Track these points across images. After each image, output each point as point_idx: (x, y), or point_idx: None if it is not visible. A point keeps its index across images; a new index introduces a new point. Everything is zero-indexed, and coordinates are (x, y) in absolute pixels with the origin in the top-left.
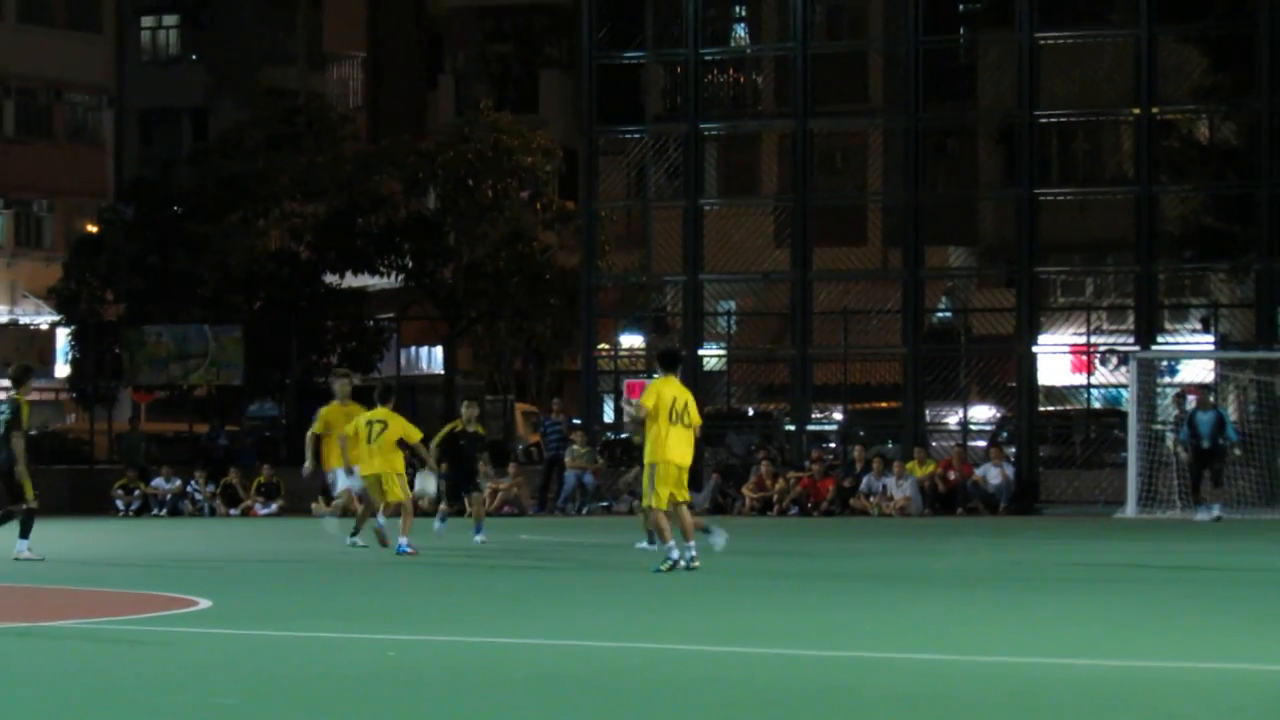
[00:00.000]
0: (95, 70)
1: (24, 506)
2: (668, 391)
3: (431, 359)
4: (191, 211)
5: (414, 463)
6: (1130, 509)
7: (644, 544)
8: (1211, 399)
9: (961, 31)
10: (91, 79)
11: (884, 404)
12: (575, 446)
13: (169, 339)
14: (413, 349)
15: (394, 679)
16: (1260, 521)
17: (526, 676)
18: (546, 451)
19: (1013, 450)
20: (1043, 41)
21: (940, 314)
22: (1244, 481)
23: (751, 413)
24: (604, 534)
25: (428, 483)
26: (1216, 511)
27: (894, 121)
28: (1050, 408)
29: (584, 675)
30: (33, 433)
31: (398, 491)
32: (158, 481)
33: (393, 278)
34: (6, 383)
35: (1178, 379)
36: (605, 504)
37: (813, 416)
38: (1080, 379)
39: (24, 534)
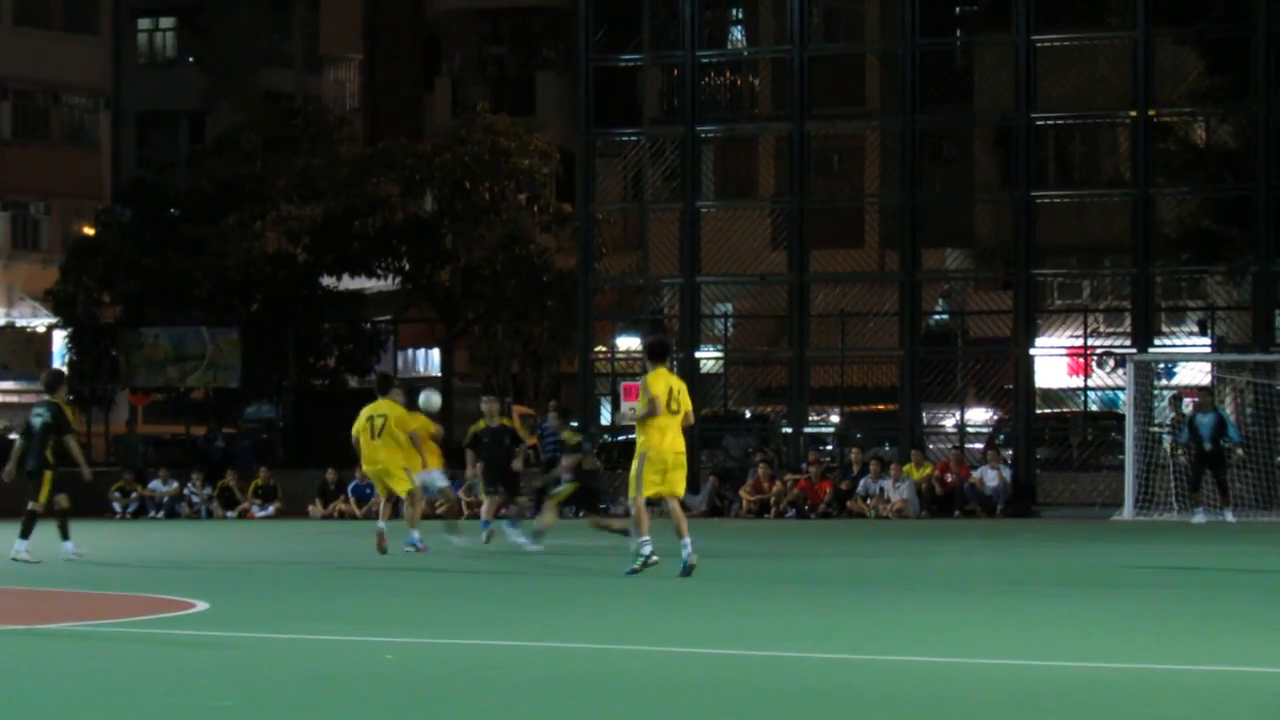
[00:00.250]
0: (92, 72)
1: (30, 508)
2: (662, 384)
3: (429, 361)
4: (188, 214)
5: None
6: (1127, 511)
7: (517, 536)
8: (1213, 400)
9: (958, 34)
10: (88, 81)
11: (881, 406)
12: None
13: (166, 341)
14: (410, 351)
15: (392, 682)
16: (1258, 524)
17: (525, 679)
18: (544, 454)
19: (1010, 453)
20: (1039, 44)
21: (937, 316)
22: (1241, 484)
23: (748, 415)
24: (601, 536)
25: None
26: (1229, 517)
27: (891, 124)
28: (1047, 410)
29: (582, 678)
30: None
31: (405, 484)
32: (155, 484)
33: (390, 280)
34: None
35: (1175, 381)
36: (602, 505)
37: (810, 419)
38: (1077, 381)
39: (24, 534)
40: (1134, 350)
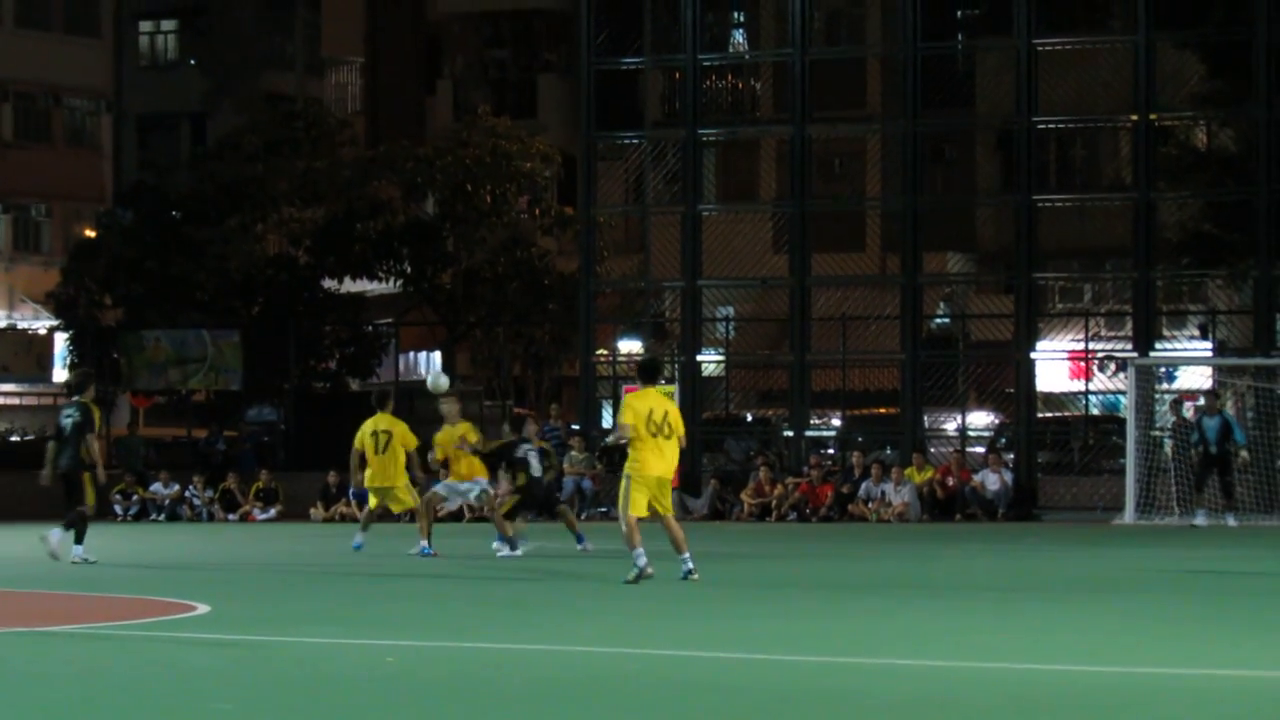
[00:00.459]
0: (94, 75)
1: (79, 510)
2: (644, 405)
3: (430, 364)
4: (190, 216)
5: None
6: (1129, 515)
7: (497, 546)
8: (1218, 403)
9: (959, 38)
10: (90, 83)
11: (882, 410)
12: (574, 453)
13: (167, 344)
14: (411, 354)
15: (393, 685)
16: (1260, 528)
17: (525, 683)
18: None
19: (1011, 456)
20: (1041, 48)
21: (939, 320)
22: (1243, 488)
23: (750, 418)
24: (602, 540)
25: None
26: (1233, 521)
27: (892, 127)
28: (1048, 414)
29: (583, 681)
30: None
31: (409, 500)
32: (156, 486)
33: (391, 283)
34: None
35: (1175, 385)
36: (604, 509)
37: (811, 422)
38: (1078, 385)
39: (78, 539)
40: (1135, 354)
